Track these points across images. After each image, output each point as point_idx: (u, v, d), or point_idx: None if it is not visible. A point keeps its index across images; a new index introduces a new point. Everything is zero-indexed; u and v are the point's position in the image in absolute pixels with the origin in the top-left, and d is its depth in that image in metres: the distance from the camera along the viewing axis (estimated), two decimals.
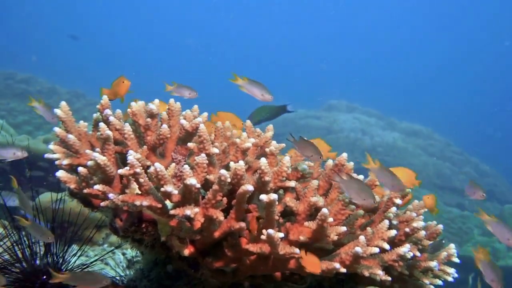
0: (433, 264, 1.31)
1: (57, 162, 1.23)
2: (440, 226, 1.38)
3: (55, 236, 1.53)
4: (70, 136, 1.20)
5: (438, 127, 12.74)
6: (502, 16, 28.21)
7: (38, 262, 1.42)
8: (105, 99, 1.33)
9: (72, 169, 1.26)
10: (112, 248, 2.40)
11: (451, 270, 1.37)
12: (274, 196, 1.07)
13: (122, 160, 1.30)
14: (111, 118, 1.26)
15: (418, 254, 1.28)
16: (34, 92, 8.74)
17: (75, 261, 1.64)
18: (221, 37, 34.44)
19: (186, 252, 1.23)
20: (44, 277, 1.27)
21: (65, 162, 1.22)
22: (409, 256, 1.19)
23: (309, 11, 34.42)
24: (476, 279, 5.54)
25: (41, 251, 1.51)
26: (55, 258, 1.45)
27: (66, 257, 1.60)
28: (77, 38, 18.98)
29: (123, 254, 2.47)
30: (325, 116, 11.49)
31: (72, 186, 1.17)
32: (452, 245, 1.44)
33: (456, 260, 1.40)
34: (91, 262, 1.77)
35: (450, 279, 1.37)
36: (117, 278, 2.22)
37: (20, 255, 1.37)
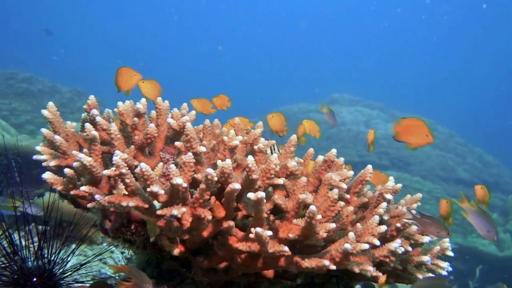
0: (426, 258, 1.30)
1: (44, 164, 1.22)
2: None
3: (50, 236, 1.53)
4: (57, 137, 1.20)
5: (441, 119, 12.70)
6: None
7: (30, 264, 1.41)
8: (91, 98, 1.32)
9: (60, 170, 1.25)
10: (109, 247, 2.40)
11: (445, 264, 1.36)
12: (261, 194, 1.06)
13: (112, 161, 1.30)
14: (98, 118, 1.25)
15: (409, 249, 1.27)
16: (35, 91, 8.73)
17: (68, 261, 1.63)
18: (225, 37, 34.51)
19: (176, 251, 1.23)
20: (34, 279, 1.27)
21: (52, 163, 1.21)
22: (400, 252, 1.17)
23: (314, 7, 34.31)
24: (482, 271, 5.52)
25: (37, 250, 1.50)
26: (48, 259, 1.44)
27: (62, 256, 1.59)
28: (51, 33, 18.95)
29: (122, 253, 2.47)
30: None
31: (59, 188, 1.16)
32: (446, 239, 1.42)
33: (450, 253, 1.39)
34: (88, 261, 1.76)
35: (444, 273, 1.36)
36: (117, 277, 2.21)
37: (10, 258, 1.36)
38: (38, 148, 1.25)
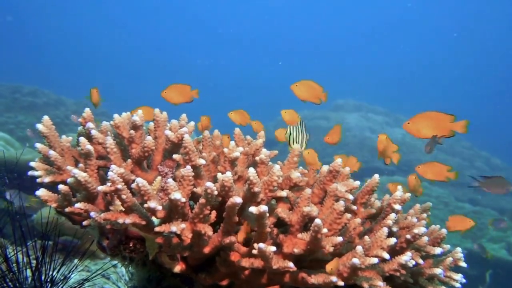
0: (438, 271, 1.24)
1: (38, 180, 1.18)
2: (444, 231, 1.31)
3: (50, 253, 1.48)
4: (51, 152, 1.15)
5: None
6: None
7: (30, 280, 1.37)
8: (87, 111, 1.28)
9: (56, 186, 1.21)
10: (114, 262, 2.35)
11: (458, 276, 1.30)
12: (264, 208, 1.01)
13: None
14: (93, 132, 1.20)
15: (420, 261, 1.21)
16: (41, 104, 8.75)
17: (70, 278, 1.59)
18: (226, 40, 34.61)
19: (177, 269, 1.18)
20: None
21: (47, 179, 1.17)
22: (411, 265, 1.12)
23: (314, 10, 34.34)
24: (492, 276, 5.44)
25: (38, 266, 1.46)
26: (45, 279, 1.40)
27: (64, 272, 1.55)
28: None
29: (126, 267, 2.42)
30: (332, 116, 11.39)
31: (54, 205, 1.12)
32: (458, 249, 1.37)
33: (464, 264, 1.33)
34: (87, 279, 1.72)
35: (457, 285, 1.30)
36: None
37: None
38: (33, 164, 1.21)
